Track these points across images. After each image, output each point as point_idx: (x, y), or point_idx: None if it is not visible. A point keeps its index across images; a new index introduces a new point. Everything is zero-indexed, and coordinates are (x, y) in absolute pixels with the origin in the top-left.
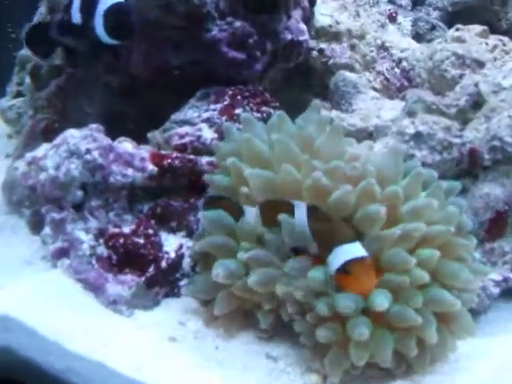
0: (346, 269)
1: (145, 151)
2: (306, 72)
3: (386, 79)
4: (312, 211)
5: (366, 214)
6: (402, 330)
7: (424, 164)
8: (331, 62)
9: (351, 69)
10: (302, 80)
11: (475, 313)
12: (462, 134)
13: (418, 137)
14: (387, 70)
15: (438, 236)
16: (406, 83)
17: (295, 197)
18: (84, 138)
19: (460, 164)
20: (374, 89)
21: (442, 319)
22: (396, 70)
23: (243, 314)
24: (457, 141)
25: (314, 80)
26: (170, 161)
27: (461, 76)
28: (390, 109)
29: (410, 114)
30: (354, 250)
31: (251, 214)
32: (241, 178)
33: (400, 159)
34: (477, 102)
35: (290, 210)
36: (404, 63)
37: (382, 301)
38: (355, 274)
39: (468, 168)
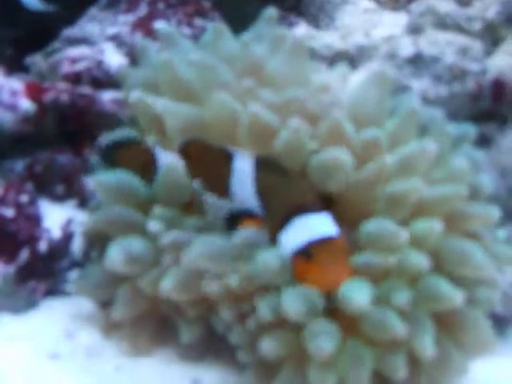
0: (307, 252)
1: (18, 81)
2: None
3: None
4: (260, 164)
5: (324, 161)
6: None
7: (424, 99)
8: None
9: None
10: None
11: (500, 320)
12: (486, 58)
13: (416, 61)
14: None
15: (441, 201)
16: None
17: (233, 143)
18: None
19: (478, 101)
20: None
21: (447, 326)
22: None
23: (158, 321)
24: (474, 67)
25: None
26: (54, 95)
27: None
28: (390, 25)
29: (415, 30)
30: (322, 224)
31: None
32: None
33: (385, 91)
34: None
35: (226, 162)
36: None
37: (360, 296)
38: (320, 261)
39: (491, 107)
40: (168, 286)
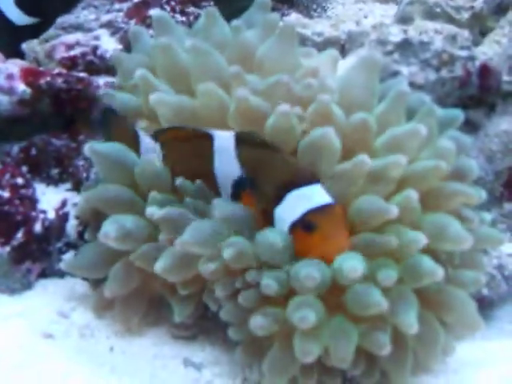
0: (308, 222)
1: (14, 65)
2: None
3: None
4: (241, 139)
5: (314, 142)
6: (368, 318)
7: (412, 85)
8: None
9: None
10: None
11: (487, 302)
12: (474, 47)
13: (405, 46)
14: None
15: (421, 176)
16: None
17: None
18: None
19: (465, 87)
20: None
21: (431, 305)
22: None
23: (151, 299)
24: (462, 53)
25: None
26: (49, 79)
27: None
28: (381, 16)
29: (404, 20)
30: (316, 194)
31: (149, 146)
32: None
33: (374, 75)
34: (501, 5)
35: (206, 145)
36: None
37: (357, 265)
38: (322, 230)
39: (479, 94)
40: (162, 266)
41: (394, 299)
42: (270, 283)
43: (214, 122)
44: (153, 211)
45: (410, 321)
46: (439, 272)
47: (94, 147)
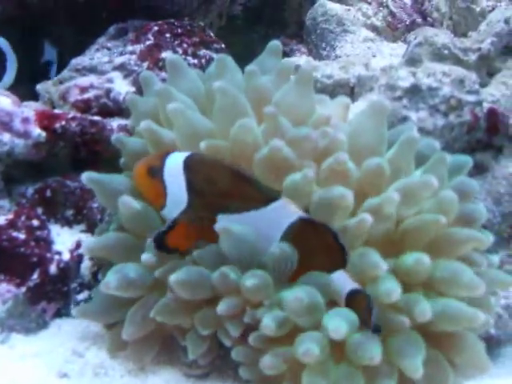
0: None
1: (29, 109)
2: (277, 3)
3: (392, 14)
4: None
5: (328, 199)
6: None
7: (421, 130)
8: None
9: None
10: (272, 14)
11: (495, 341)
12: (481, 89)
13: (414, 92)
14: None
15: (424, 229)
16: (419, 19)
17: (243, 164)
18: None
19: (473, 131)
20: (374, 28)
21: (441, 346)
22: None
23: (164, 339)
24: (470, 98)
25: (289, 14)
26: (64, 123)
27: (494, 9)
28: (389, 55)
29: (412, 61)
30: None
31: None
32: (160, 147)
33: (383, 120)
34: (508, 46)
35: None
36: None
37: (338, 323)
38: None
39: (486, 138)
40: (176, 279)
41: (402, 342)
42: (268, 324)
43: (241, 157)
44: (148, 258)
45: (416, 365)
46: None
47: (91, 176)
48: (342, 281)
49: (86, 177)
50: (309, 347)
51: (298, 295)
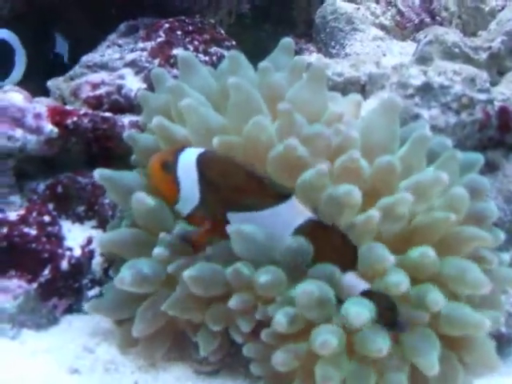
0: None
1: (41, 105)
2: (284, 2)
3: (400, 13)
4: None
5: (336, 197)
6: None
7: (433, 128)
8: None
9: None
10: (280, 13)
11: (505, 340)
12: (492, 88)
13: (426, 90)
14: None
15: (434, 226)
16: (427, 19)
17: (256, 162)
18: None
19: (485, 129)
20: (383, 27)
21: (451, 345)
22: None
23: (175, 335)
24: (481, 97)
25: (298, 13)
26: (76, 119)
27: (504, 8)
28: (399, 54)
29: (422, 60)
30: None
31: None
32: (172, 144)
33: (394, 118)
34: None
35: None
36: None
37: (359, 311)
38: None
39: (498, 136)
40: (190, 275)
41: (417, 339)
42: (280, 320)
43: (254, 154)
44: (160, 252)
45: (432, 363)
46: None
47: (102, 173)
48: (354, 281)
49: (98, 174)
50: (326, 338)
51: (307, 289)
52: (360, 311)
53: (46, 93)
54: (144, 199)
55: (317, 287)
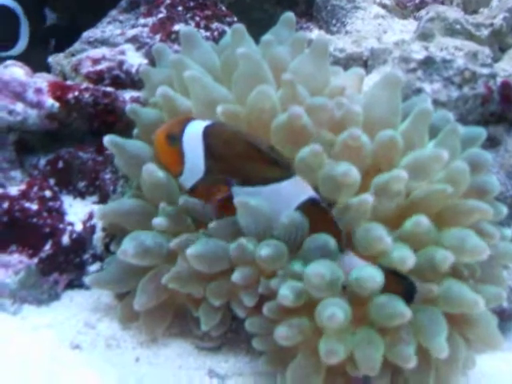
0: None
1: (42, 80)
2: None
3: None
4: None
5: (334, 176)
6: (393, 330)
7: (435, 102)
8: None
9: None
10: None
11: (507, 315)
12: (494, 63)
13: (428, 64)
14: None
15: (432, 198)
16: None
17: (260, 130)
18: None
19: (487, 104)
20: (384, 6)
21: (454, 321)
22: None
23: (176, 311)
24: (484, 71)
25: None
26: (77, 94)
27: None
28: (400, 31)
29: (424, 36)
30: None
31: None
32: (176, 115)
33: (396, 92)
34: None
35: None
36: None
37: (373, 274)
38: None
39: (500, 111)
40: (194, 252)
41: (425, 320)
42: (286, 294)
43: (258, 123)
44: (159, 222)
45: (442, 345)
46: (480, 303)
47: (113, 139)
48: (354, 261)
49: (108, 139)
50: (334, 311)
51: (320, 271)
52: (374, 274)
53: (46, 70)
54: (154, 171)
55: (329, 270)
